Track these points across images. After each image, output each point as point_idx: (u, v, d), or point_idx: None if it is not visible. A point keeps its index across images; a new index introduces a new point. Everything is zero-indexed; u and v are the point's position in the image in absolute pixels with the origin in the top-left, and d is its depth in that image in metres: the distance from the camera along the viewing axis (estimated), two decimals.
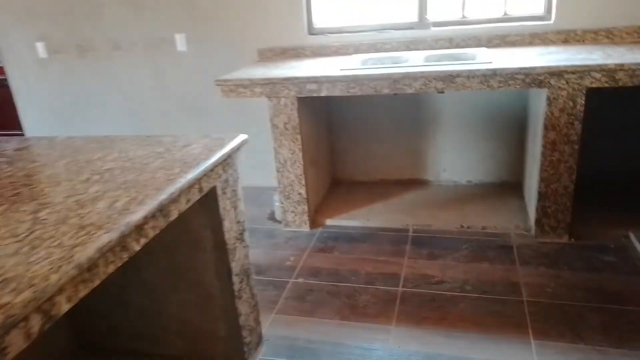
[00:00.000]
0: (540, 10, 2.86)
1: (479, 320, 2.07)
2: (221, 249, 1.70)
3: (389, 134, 3.28)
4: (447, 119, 3.17)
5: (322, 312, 2.19)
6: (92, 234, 1.08)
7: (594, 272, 2.33)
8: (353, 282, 2.38)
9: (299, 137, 2.75)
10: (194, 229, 1.70)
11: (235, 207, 1.73)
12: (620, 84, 2.26)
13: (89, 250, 1.02)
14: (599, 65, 2.24)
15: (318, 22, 3.17)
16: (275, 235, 2.90)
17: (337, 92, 2.59)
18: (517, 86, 2.37)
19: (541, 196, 2.54)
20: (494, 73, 2.36)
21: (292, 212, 2.91)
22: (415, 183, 3.33)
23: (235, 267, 1.74)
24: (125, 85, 3.58)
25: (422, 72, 2.44)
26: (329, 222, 2.95)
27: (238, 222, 1.76)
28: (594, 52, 2.48)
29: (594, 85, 2.29)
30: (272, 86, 2.66)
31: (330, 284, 2.38)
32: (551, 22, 2.82)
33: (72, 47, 3.57)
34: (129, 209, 1.19)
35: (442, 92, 2.99)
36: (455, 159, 3.24)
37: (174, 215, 1.34)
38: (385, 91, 2.53)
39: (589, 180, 2.81)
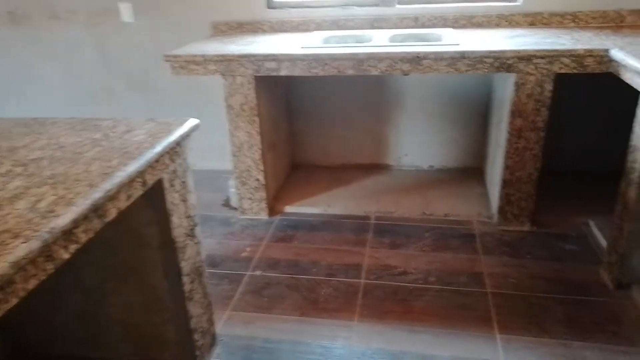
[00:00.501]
0: None
1: (443, 314, 2.00)
2: (169, 247, 1.53)
3: (351, 117, 3.15)
4: (409, 102, 3.06)
5: (281, 307, 2.07)
6: (7, 244, 0.90)
7: (556, 261, 2.30)
8: (314, 274, 2.26)
9: (256, 119, 2.57)
10: (137, 226, 1.52)
11: (185, 201, 1.56)
12: (589, 70, 2.21)
13: (1, 266, 0.84)
14: (569, 51, 2.18)
15: None
16: (231, 223, 2.73)
17: (297, 71, 2.42)
18: (486, 70, 2.28)
19: (505, 184, 2.49)
20: (462, 56, 2.26)
21: (249, 198, 2.75)
22: (377, 168, 3.23)
23: (185, 266, 1.58)
24: (64, 58, 3.26)
25: (388, 53, 2.30)
26: (288, 209, 2.81)
27: (188, 217, 1.59)
28: (561, 37, 2.41)
29: (563, 71, 2.23)
30: (227, 63, 2.46)
31: (289, 277, 2.25)
32: (518, 3, 2.73)
33: (3, 15, 3.21)
34: (55, 210, 1.01)
35: (407, 75, 2.89)
36: (417, 144, 3.16)
37: (112, 214, 1.17)
38: (349, 72, 2.38)
39: (549, 167, 2.79)
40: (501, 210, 2.55)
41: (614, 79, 2.13)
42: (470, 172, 3.11)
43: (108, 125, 1.51)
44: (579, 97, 2.84)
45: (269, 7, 2.96)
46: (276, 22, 2.94)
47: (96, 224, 1.11)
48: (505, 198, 2.52)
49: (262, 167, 2.67)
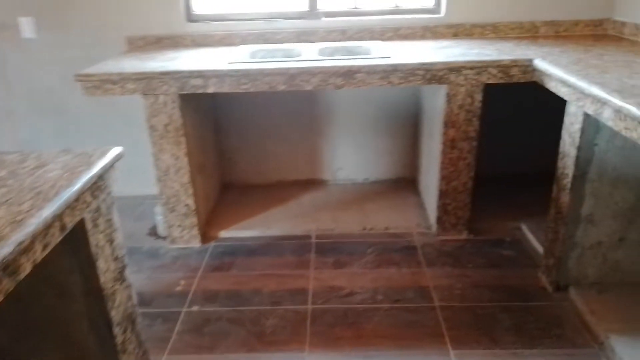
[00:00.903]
0: (430, 3, 2.81)
1: (395, 334, 1.94)
2: (96, 295, 1.34)
3: (283, 132, 3.04)
4: (341, 115, 3.01)
5: (224, 345, 1.90)
6: None
7: (496, 268, 2.34)
8: (257, 304, 2.12)
9: (183, 139, 2.39)
10: (56, 274, 1.31)
11: (111, 241, 1.37)
12: (515, 80, 2.27)
13: None
14: (495, 61, 2.23)
15: (198, 8, 2.81)
16: (160, 254, 2.52)
17: (226, 88, 2.28)
18: (418, 82, 2.27)
19: (442, 194, 2.50)
20: (395, 69, 2.24)
21: (178, 226, 2.55)
22: (313, 183, 3.15)
23: (115, 315, 1.39)
24: None
25: (321, 67, 2.23)
26: (223, 234, 2.65)
27: (116, 258, 1.40)
28: (485, 47, 2.48)
29: (490, 81, 2.27)
30: (147, 81, 2.27)
31: (231, 310, 2.09)
32: (441, 15, 2.78)
33: None
34: None
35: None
36: (352, 157, 3.12)
37: (25, 270, 0.97)
38: (281, 87, 2.28)
39: (479, 174, 2.85)
40: (439, 220, 2.56)
41: (538, 87, 2.21)
42: (404, 183, 3.12)
43: (14, 160, 1.29)
44: (505, 104, 2.93)
45: (189, 21, 2.79)
46: (198, 36, 2.78)
47: (7, 284, 0.92)
48: (443, 208, 2.53)
49: (191, 191, 2.49)
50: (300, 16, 2.80)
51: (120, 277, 1.42)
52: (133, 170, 2.74)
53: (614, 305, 1.99)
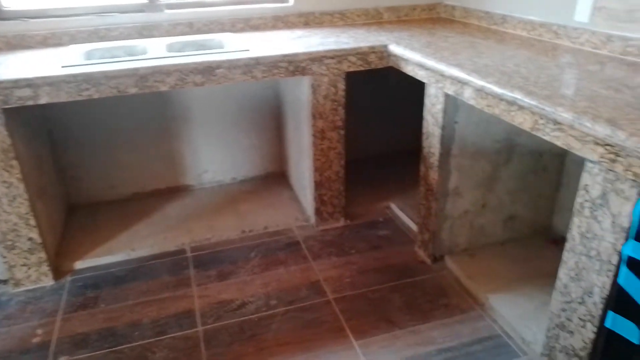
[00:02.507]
0: None
1: (297, 338, 1.87)
2: None
3: (134, 139, 2.72)
4: (198, 115, 2.80)
5: None
6: None
7: (377, 249, 2.40)
8: (139, 339, 1.86)
9: (15, 163, 1.98)
10: None
11: None
12: (373, 66, 2.32)
13: None
14: (354, 49, 2.24)
15: (10, 3, 2.34)
16: (3, 302, 2.08)
17: (63, 96, 1.94)
18: (282, 75, 2.19)
19: (317, 185, 2.48)
20: (257, 62, 2.12)
21: (23, 265, 2.13)
22: (177, 191, 2.89)
23: None
24: None
25: (176, 65, 2.02)
26: (79, 265, 2.28)
27: None
28: (340, 36, 2.49)
29: (351, 69, 2.29)
30: None
31: (108, 352, 1.81)
32: (290, 4, 2.72)
33: None
34: None
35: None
36: (216, 157, 2.93)
37: None
38: (132, 91, 2.01)
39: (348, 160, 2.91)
40: (317, 211, 2.54)
41: (394, 71, 2.29)
42: (274, 178, 3.04)
43: None
44: (366, 88, 3.02)
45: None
46: (13, 36, 2.32)
47: None
48: (319, 199, 2.52)
49: (33, 222, 2.09)
50: (140, 9, 2.50)
51: None
52: None
53: (485, 266, 2.18)
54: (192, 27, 2.58)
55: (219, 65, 2.07)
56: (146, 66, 1.99)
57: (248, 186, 2.95)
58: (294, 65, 2.19)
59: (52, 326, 1.94)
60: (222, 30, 2.62)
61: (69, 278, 2.22)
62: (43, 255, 2.15)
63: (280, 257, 2.34)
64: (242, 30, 2.66)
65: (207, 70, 2.07)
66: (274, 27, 2.71)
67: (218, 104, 2.81)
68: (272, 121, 2.94)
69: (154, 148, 2.78)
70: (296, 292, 2.11)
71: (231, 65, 2.09)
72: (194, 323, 1.94)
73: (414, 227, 2.48)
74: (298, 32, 2.59)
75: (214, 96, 2.78)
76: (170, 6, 2.56)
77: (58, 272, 2.24)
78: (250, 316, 1.98)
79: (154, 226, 2.55)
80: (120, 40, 2.47)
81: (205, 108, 2.79)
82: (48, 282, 2.18)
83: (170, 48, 2.37)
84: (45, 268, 2.17)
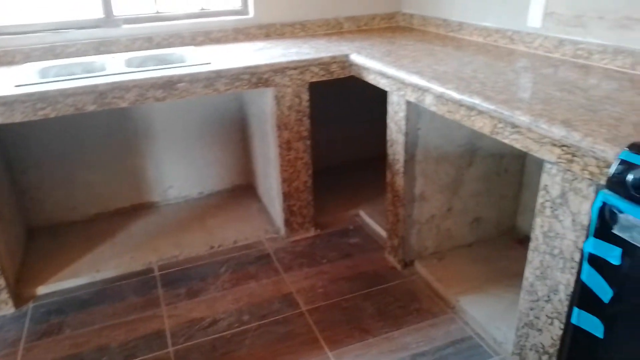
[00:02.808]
0: (237, 4, 2.72)
1: (271, 352, 1.85)
2: None
3: (95, 157, 2.65)
4: (160, 130, 2.75)
5: None
6: None
7: (348, 258, 2.40)
8: None
9: None
10: None
11: None
12: (335, 75, 2.33)
13: None
14: (316, 59, 2.25)
15: None
16: None
17: (18, 116, 1.87)
18: (245, 87, 2.18)
19: (285, 196, 2.47)
20: (219, 75, 2.11)
21: None
22: (142, 208, 2.83)
23: None
24: None
25: (136, 81, 1.98)
26: (41, 290, 2.20)
27: None
28: (302, 46, 2.50)
29: (314, 79, 2.30)
30: None
31: None
32: (250, 16, 2.72)
33: None
34: None
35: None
36: (181, 172, 2.88)
37: None
38: (91, 108, 1.96)
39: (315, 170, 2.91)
40: (287, 222, 2.53)
41: (356, 80, 2.31)
42: (242, 191, 3.01)
43: None
44: (331, 98, 3.03)
45: None
46: None
47: None
48: (288, 210, 2.51)
49: None
50: (96, 24, 2.45)
51: None
52: None
53: (454, 269, 2.21)
54: (151, 41, 2.54)
55: (180, 79, 2.05)
56: (105, 82, 1.94)
57: (215, 200, 2.91)
58: (257, 77, 2.18)
59: (14, 356, 1.85)
60: (183, 44, 2.59)
61: (31, 305, 2.13)
62: (2, 282, 2.06)
63: (250, 271, 2.31)
64: (202, 43, 2.63)
65: (168, 85, 2.04)
66: (235, 39, 2.70)
67: (181, 118, 2.77)
68: (237, 133, 2.92)
69: (116, 166, 2.71)
70: (268, 305, 2.09)
71: (192, 79, 2.07)
72: (165, 344, 1.89)
73: (383, 233, 2.49)
74: (259, 44, 2.58)
75: (177, 110, 2.74)
76: (128, 21, 2.52)
77: (19, 299, 2.15)
78: (223, 333, 1.94)
79: (119, 246, 2.49)
80: (77, 57, 2.41)
81: (168, 123, 2.75)
82: (8, 310, 2.09)
83: (130, 63, 2.33)
84: (4, 295, 2.08)
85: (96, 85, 1.93)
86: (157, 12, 2.60)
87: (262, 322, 2.00)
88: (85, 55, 2.42)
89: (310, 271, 2.31)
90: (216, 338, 1.92)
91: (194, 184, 2.93)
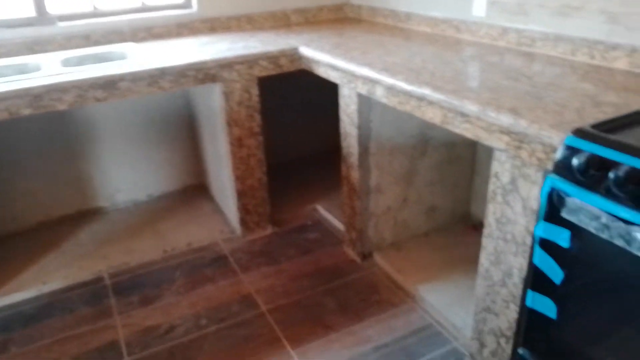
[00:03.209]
0: None
1: (232, 356, 1.80)
2: None
3: (34, 164, 2.50)
4: (104, 132, 2.63)
5: None
6: None
7: (307, 254, 2.38)
8: None
9: None
10: None
11: None
12: (285, 69, 2.29)
13: None
14: (264, 53, 2.21)
15: None
16: None
17: None
18: (191, 84, 2.11)
19: (240, 195, 2.42)
20: (163, 72, 2.02)
21: None
22: (88, 214, 2.70)
23: None
24: None
25: (73, 81, 1.87)
26: None
27: None
28: (249, 40, 2.44)
29: (263, 74, 2.25)
30: None
31: None
32: (194, 10, 2.63)
33: None
34: None
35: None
36: (129, 175, 2.77)
37: None
38: (26, 112, 1.84)
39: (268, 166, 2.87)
40: (242, 221, 2.48)
41: (307, 73, 2.28)
42: (193, 191, 2.92)
43: None
44: (282, 92, 2.98)
45: None
46: None
47: None
48: (243, 208, 2.45)
49: None
50: (29, 23, 2.30)
51: None
52: None
53: (412, 259, 2.23)
54: (89, 39, 2.41)
55: (121, 78, 1.95)
56: (40, 84, 1.83)
57: (166, 202, 2.82)
58: (203, 73, 2.11)
59: None
60: (123, 40, 2.48)
61: None
62: None
63: (207, 273, 2.25)
64: (144, 39, 2.53)
65: (109, 84, 1.95)
66: (179, 34, 2.61)
67: (125, 118, 2.65)
68: (186, 132, 2.83)
69: (59, 171, 2.57)
70: (227, 308, 2.04)
71: (135, 77, 1.98)
72: (120, 355, 1.81)
73: (341, 227, 2.48)
74: (205, 39, 2.50)
75: (121, 111, 2.63)
76: (63, 18, 2.38)
77: None
78: (180, 339, 1.88)
79: (66, 255, 2.36)
80: (8, 57, 2.26)
81: (111, 124, 2.63)
82: None
83: (66, 63, 2.20)
84: None
85: (30, 88, 1.81)
86: (95, 8, 2.47)
87: (221, 325, 1.95)
88: (17, 56, 2.28)
89: (269, 270, 2.27)
90: (174, 345, 1.86)
91: (143, 186, 2.82)
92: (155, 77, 2.03)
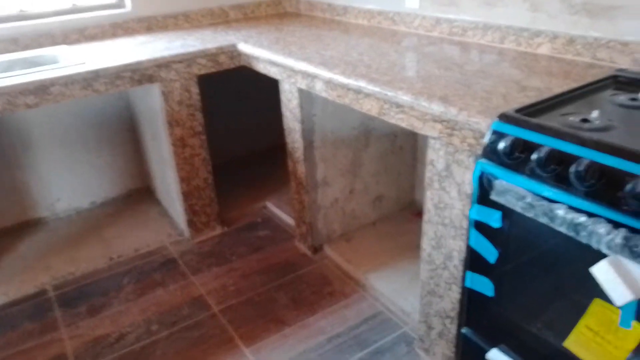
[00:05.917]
0: None
1: (186, 359, 1.78)
2: None
3: None
4: (39, 139, 2.52)
5: None
6: None
7: (258, 251, 2.38)
8: None
9: None
10: None
11: None
12: (224, 66, 2.27)
13: None
14: (202, 51, 2.18)
15: None
16: None
17: None
18: (127, 85, 2.05)
19: (185, 196, 2.38)
20: (97, 75, 1.96)
21: None
22: (27, 226, 2.58)
23: None
24: None
25: (2, 88, 1.78)
26: None
27: None
28: (187, 38, 2.39)
29: (202, 72, 2.22)
30: None
31: None
32: (128, 9, 2.56)
33: None
34: None
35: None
36: (67, 182, 2.66)
37: None
38: None
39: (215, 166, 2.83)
40: (190, 223, 2.44)
41: (251, 70, 2.27)
42: (138, 195, 2.85)
43: None
44: (224, 89, 2.94)
45: None
46: None
47: None
48: (190, 210, 2.42)
49: None
50: None
51: None
52: None
53: (361, 248, 2.27)
54: (17, 43, 2.30)
55: (52, 82, 1.88)
56: None
57: (110, 208, 2.74)
58: (139, 73, 2.06)
59: None
60: (54, 43, 2.38)
61: None
62: None
63: (156, 278, 2.21)
64: (77, 41, 2.44)
65: (40, 90, 1.87)
66: (113, 35, 2.53)
67: (61, 124, 2.55)
68: (127, 134, 2.76)
69: None
70: (178, 311, 2.01)
71: (68, 81, 1.91)
72: None
73: (291, 222, 2.49)
74: (141, 39, 2.44)
75: (56, 116, 2.53)
76: None
77: None
78: (132, 347, 1.84)
79: (5, 270, 2.26)
80: None
81: (47, 130, 2.53)
82: None
83: None
84: None
85: None
86: (21, 11, 2.36)
87: (173, 329, 1.92)
88: None
89: (219, 270, 2.25)
90: (125, 353, 1.82)
91: (84, 193, 2.73)
92: (89, 80, 1.96)
